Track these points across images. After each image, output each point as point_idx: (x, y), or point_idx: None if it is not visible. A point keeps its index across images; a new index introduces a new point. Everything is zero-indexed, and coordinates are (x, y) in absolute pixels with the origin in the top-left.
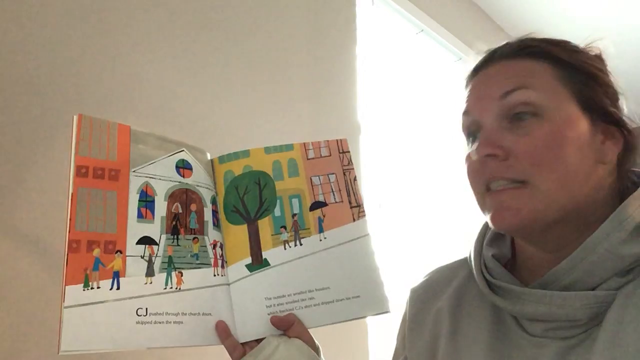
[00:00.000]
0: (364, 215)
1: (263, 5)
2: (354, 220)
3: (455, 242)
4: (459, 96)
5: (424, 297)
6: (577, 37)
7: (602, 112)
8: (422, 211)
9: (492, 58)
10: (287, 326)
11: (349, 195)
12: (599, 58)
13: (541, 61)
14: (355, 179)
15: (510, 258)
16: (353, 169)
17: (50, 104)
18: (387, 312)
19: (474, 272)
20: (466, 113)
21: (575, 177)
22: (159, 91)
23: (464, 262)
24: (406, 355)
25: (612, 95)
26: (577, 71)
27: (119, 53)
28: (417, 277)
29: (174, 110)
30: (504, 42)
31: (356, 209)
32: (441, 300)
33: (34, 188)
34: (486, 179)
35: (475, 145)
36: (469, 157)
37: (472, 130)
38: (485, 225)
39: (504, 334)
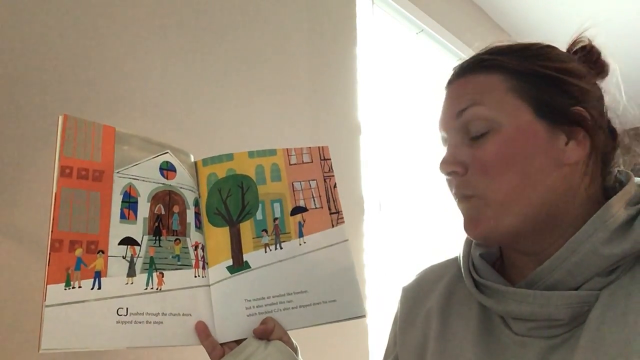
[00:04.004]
0: (343, 222)
1: (263, 5)
2: (332, 226)
3: (455, 242)
4: (428, 98)
5: (414, 296)
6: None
7: (562, 114)
8: (422, 211)
9: (456, 73)
10: (269, 335)
11: (328, 201)
12: (564, 57)
13: (493, 74)
14: (335, 186)
15: (498, 257)
16: (333, 176)
17: (47, 103)
18: (363, 316)
19: (462, 271)
20: (438, 128)
21: (529, 185)
22: (156, 92)
23: (455, 261)
24: (397, 354)
25: (579, 94)
26: (530, 78)
27: (116, 52)
28: (411, 276)
29: (171, 110)
30: (471, 55)
31: (335, 216)
32: (431, 299)
33: (31, 185)
34: (453, 192)
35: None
36: None
37: (444, 144)
38: None
39: (491, 333)
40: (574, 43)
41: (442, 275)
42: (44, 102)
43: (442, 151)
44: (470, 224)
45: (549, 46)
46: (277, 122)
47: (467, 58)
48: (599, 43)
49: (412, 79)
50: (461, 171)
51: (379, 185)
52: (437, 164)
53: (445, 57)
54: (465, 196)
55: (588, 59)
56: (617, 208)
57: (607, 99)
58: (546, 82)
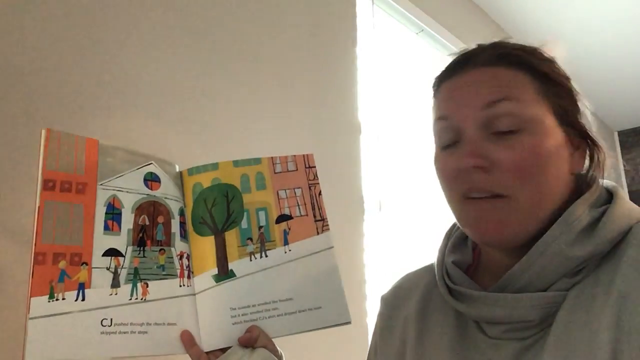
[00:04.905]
0: (328, 229)
1: (263, 5)
2: (317, 233)
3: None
4: (428, 98)
5: (393, 303)
6: (577, 37)
7: (572, 124)
8: (423, 211)
9: (469, 63)
10: (254, 343)
11: (313, 209)
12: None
13: (521, 71)
14: (320, 194)
15: (471, 264)
16: (318, 183)
17: (47, 103)
18: (348, 322)
19: (437, 278)
20: (445, 118)
21: (551, 190)
22: (158, 93)
23: (430, 268)
24: None
25: (580, 105)
26: (552, 82)
27: (117, 53)
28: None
29: (172, 111)
30: (477, 46)
31: (320, 223)
32: (409, 307)
33: (30, 187)
34: (467, 188)
35: (457, 152)
36: (444, 162)
37: (449, 136)
38: (449, 233)
39: (465, 338)
40: None
41: (418, 283)
42: (40, 103)
43: (431, 143)
44: (493, 227)
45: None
46: (277, 122)
47: (482, 47)
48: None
49: (412, 79)
50: (487, 166)
51: (379, 185)
52: (453, 156)
53: (445, 57)
54: (495, 195)
55: None
56: (582, 210)
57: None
58: (562, 89)
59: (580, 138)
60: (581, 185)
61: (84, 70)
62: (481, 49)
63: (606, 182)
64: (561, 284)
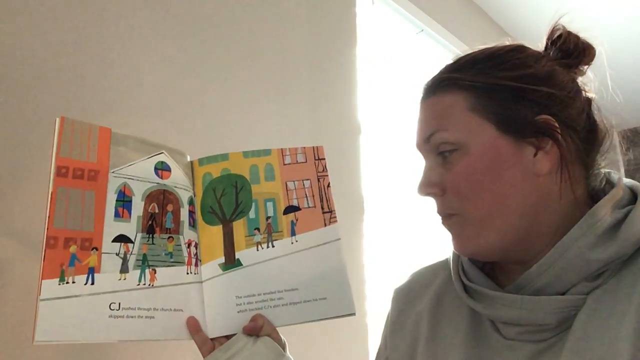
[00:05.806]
0: (335, 221)
1: (263, 5)
2: (325, 225)
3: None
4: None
5: (406, 298)
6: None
7: (525, 125)
8: (422, 211)
9: (424, 93)
10: (258, 332)
11: (321, 201)
12: (528, 61)
13: (454, 93)
14: (328, 186)
15: (488, 261)
16: (327, 175)
17: (48, 102)
18: (352, 314)
19: (452, 275)
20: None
21: (503, 201)
22: (157, 92)
23: (445, 263)
24: (387, 356)
25: (544, 100)
26: (489, 92)
27: (117, 52)
28: (403, 278)
29: (172, 110)
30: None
31: (328, 215)
32: (422, 302)
33: (29, 185)
34: (436, 211)
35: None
36: None
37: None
38: None
39: (480, 337)
40: (552, 32)
41: (433, 278)
42: (41, 102)
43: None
44: (456, 243)
45: (515, 49)
46: (277, 122)
47: (433, 75)
48: (576, 28)
49: (412, 79)
50: (439, 192)
51: (378, 185)
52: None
53: (445, 57)
54: (447, 215)
55: (565, 48)
56: (604, 212)
57: (592, 90)
58: (506, 94)
59: (542, 136)
60: (594, 184)
61: (89, 71)
62: (430, 78)
63: (630, 181)
64: (581, 287)
